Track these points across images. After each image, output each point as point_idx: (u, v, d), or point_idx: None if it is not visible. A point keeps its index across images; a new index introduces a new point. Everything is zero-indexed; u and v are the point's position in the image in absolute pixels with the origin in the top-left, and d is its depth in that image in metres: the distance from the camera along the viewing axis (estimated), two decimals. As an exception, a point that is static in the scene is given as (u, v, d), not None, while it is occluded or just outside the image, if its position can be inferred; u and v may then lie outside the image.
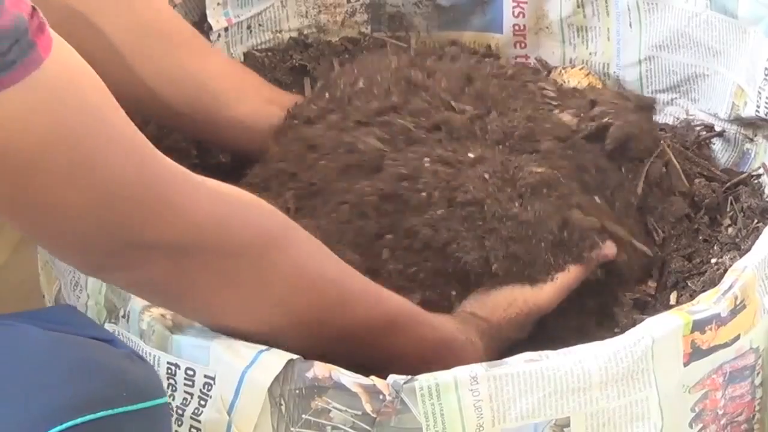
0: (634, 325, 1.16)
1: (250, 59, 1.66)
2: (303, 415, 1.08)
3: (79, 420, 0.82)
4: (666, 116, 1.63)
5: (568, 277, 1.30)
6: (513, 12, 1.71)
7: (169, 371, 1.12)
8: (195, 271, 1.02)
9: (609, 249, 1.34)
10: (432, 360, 1.15)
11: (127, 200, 0.93)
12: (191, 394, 1.11)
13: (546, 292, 1.29)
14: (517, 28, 1.72)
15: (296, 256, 1.08)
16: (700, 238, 1.44)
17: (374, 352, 1.15)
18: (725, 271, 1.25)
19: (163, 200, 0.96)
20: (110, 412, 0.84)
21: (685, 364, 1.14)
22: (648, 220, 1.44)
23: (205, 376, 1.10)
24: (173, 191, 0.97)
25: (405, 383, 1.08)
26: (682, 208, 1.45)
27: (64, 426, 0.81)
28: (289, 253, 1.07)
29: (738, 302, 1.17)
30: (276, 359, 1.09)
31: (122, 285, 1.08)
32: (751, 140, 1.53)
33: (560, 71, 1.68)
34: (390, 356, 1.16)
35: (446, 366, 1.10)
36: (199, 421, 1.11)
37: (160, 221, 0.96)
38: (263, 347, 1.09)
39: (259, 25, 1.68)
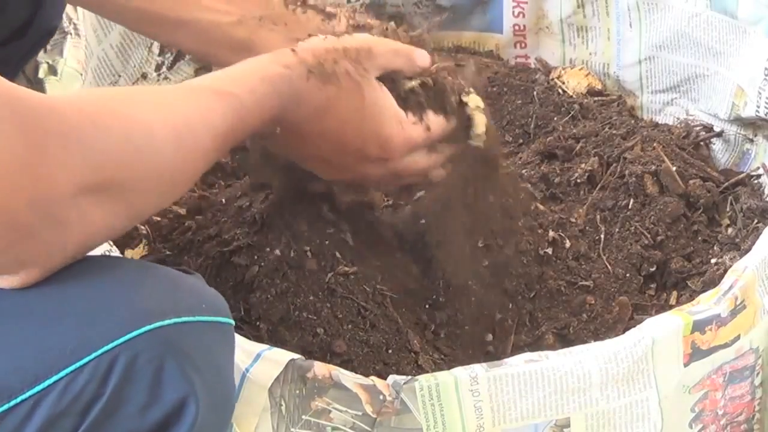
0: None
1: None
2: (303, 416, 1.08)
3: (166, 322, 0.91)
4: (666, 116, 1.64)
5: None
6: (513, 12, 1.71)
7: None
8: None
9: (422, 58, 1.25)
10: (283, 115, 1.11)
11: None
12: (191, 394, 1.11)
13: (384, 45, 1.21)
14: (517, 28, 1.72)
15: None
16: (699, 238, 1.44)
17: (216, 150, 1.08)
18: (725, 271, 1.26)
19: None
20: (192, 318, 0.92)
21: (686, 365, 1.14)
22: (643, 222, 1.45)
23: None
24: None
25: (405, 383, 1.08)
26: (677, 209, 1.45)
27: (154, 326, 0.90)
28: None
29: (738, 303, 1.17)
30: (276, 359, 1.09)
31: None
32: (751, 140, 1.53)
33: (560, 72, 1.68)
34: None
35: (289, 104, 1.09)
36: (200, 421, 1.11)
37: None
38: (264, 347, 1.09)
39: (260, 24, 1.68)
